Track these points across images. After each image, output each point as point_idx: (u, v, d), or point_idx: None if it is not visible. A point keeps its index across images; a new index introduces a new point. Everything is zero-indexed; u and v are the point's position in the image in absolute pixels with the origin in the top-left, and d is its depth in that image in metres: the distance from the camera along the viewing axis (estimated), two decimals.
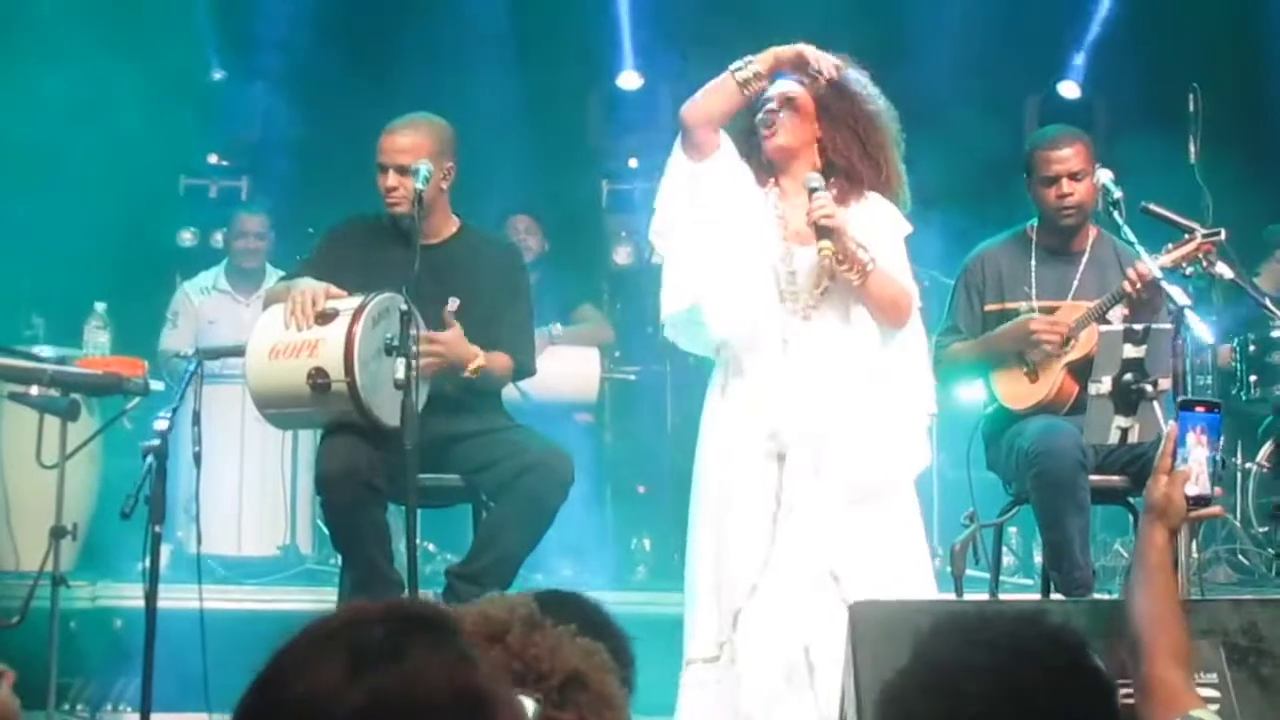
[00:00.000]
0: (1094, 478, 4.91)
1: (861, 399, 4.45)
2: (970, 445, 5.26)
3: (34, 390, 5.35)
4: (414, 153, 4.82)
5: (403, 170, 4.81)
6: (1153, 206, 4.84)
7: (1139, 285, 4.78)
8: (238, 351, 4.96)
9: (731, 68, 4.44)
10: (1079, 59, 8.95)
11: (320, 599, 5.92)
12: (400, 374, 4.44)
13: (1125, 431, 4.74)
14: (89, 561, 6.28)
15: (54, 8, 7.59)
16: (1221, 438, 3.09)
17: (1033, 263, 5.22)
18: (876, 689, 2.00)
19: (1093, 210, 5.15)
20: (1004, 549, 6.12)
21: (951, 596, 5.00)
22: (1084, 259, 5.22)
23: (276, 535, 6.96)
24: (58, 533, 5.15)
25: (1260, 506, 7.08)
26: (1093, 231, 5.25)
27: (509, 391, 5.31)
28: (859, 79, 4.64)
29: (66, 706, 5.55)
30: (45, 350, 6.15)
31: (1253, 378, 6.98)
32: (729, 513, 4.38)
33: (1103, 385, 4.73)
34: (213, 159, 8.71)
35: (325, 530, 5.70)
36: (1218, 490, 3.09)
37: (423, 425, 4.53)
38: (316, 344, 4.58)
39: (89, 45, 7.17)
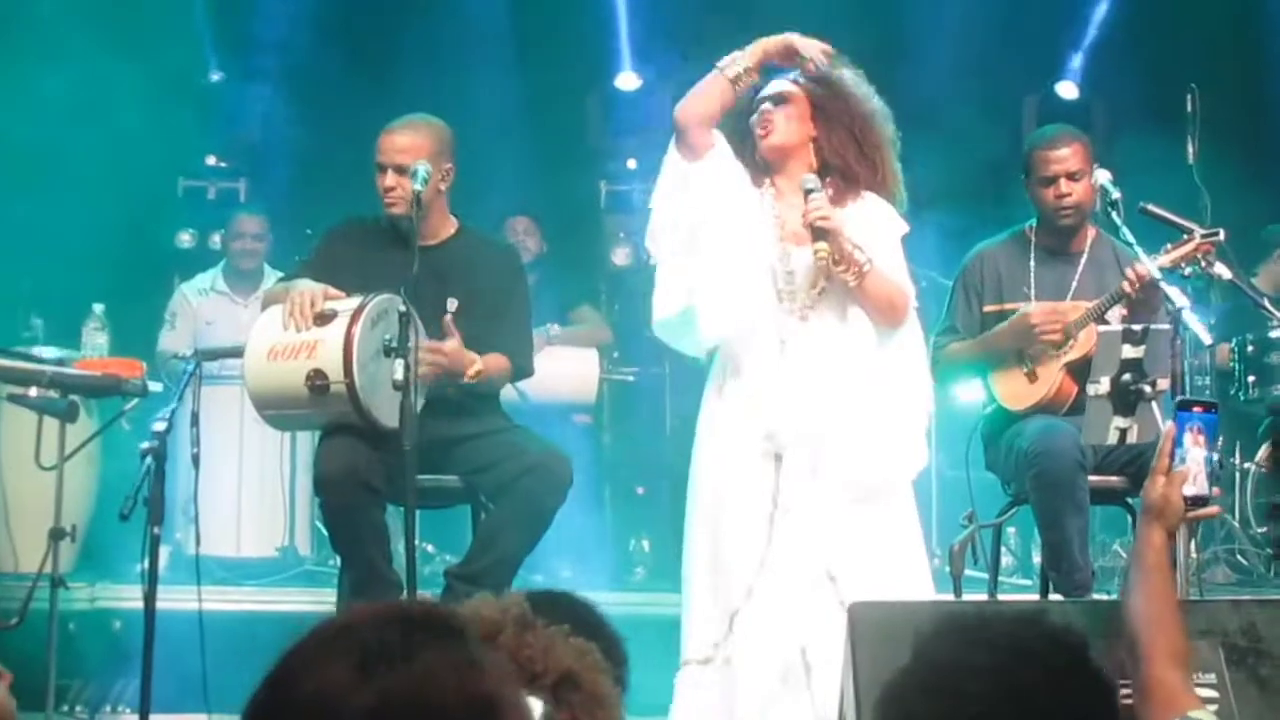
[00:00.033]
0: (1092, 478, 4.91)
1: (859, 399, 4.45)
2: (969, 445, 5.26)
3: (33, 392, 5.34)
4: (412, 153, 4.82)
5: (401, 170, 4.81)
6: (1151, 207, 4.84)
7: (1138, 286, 4.78)
8: (236, 353, 4.96)
9: (719, 65, 4.43)
10: (1077, 60, 8.95)
11: (319, 600, 5.93)
12: (399, 375, 4.44)
13: (1124, 432, 4.74)
14: (88, 563, 6.28)
15: (54, 8, 7.59)
16: (1220, 438, 3.09)
17: (1031, 263, 5.22)
18: (875, 689, 2.00)
19: (1091, 211, 5.15)
20: (1003, 549, 6.13)
21: (950, 597, 4.99)
22: (1083, 259, 5.22)
23: (275, 536, 6.96)
24: (56, 534, 5.15)
25: (1259, 507, 7.08)
26: (1091, 232, 5.25)
27: (507, 392, 5.31)
28: (854, 79, 4.64)
29: (65, 708, 5.54)
30: (44, 351, 6.15)
31: (1251, 378, 6.98)
32: (725, 514, 4.38)
33: (1101, 386, 4.73)
34: (211, 160, 8.70)
35: (324, 531, 5.70)
36: (1215, 490, 3.09)
37: (421, 426, 4.53)
38: (315, 345, 4.58)
39: (88, 46, 7.17)
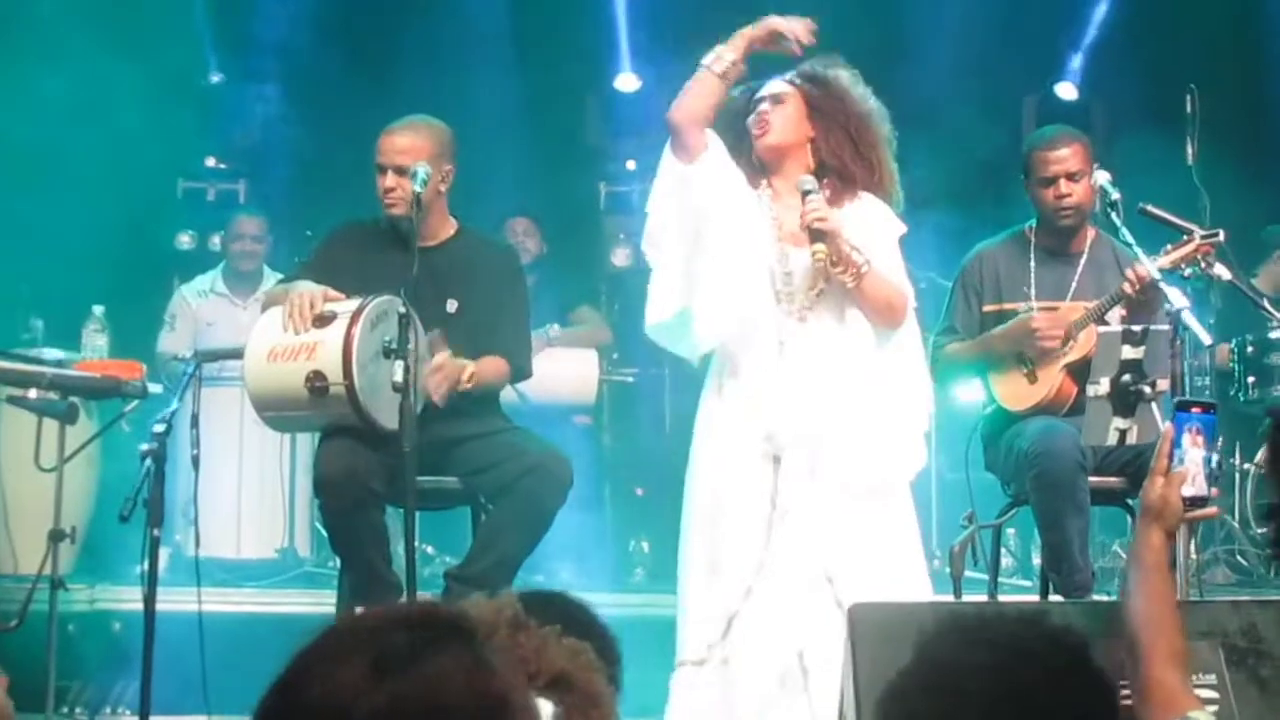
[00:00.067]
0: (1092, 479, 4.91)
1: (857, 401, 4.45)
2: (969, 446, 5.25)
3: (32, 393, 5.34)
4: (412, 154, 4.82)
5: (400, 171, 4.81)
6: (1151, 208, 4.84)
7: (1138, 287, 4.78)
8: (236, 354, 4.96)
9: (705, 62, 4.42)
10: (1077, 60, 8.95)
11: (319, 601, 5.92)
12: (398, 377, 4.44)
13: (1124, 433, 4.73)
14: (87, 564, 6.28)
15: (54, 8, 7.59)
16: (1219, 438, 3.09)
17: (1031, 263, 5.22)
18: (876, 690, 2.00)
19: (1091, 211, 5.15)
20: (1003, 550, 6.13)
21: (950, 598, 4.99)
22: (1082, 260, 5.22)
23: (275, 538, 6.96)
24: (56, 536, 5.15)
25: (1259, 508, 7.08)
26: (1091, 232, 5.25)
27: (507, 394, 5.31)
28: (850, 78, 4.64)
29: (65, 709, 5.55)
30: (44, 353, 6.15)
31: (1250, 379, 6.98)
32: (724, 515, 4.37)
33: (1101, 386, 4.73)
34: (210, 162, 8.71)
35: (324, 533, 5.71)
36: (1214, 491, 3.09)
37: (421, 428, 4.53)
38: (315, 347, 4.58)
39: (88, 46, 7.17)
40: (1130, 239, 4.81)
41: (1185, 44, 8.28)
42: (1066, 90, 8.91)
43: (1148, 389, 4.68)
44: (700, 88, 4.43)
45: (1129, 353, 4.71)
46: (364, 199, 5.02)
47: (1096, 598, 5.09)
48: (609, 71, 8.91)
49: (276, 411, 4.78)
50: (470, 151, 5.13)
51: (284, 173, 8.16)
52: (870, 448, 4.42)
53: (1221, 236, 4.80)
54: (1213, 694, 3.25)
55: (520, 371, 5.06)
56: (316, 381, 4.55)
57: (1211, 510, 3.13)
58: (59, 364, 5.72)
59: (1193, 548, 5.24)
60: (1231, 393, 6.96)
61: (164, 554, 5.10)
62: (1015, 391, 5.12)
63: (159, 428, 4.56)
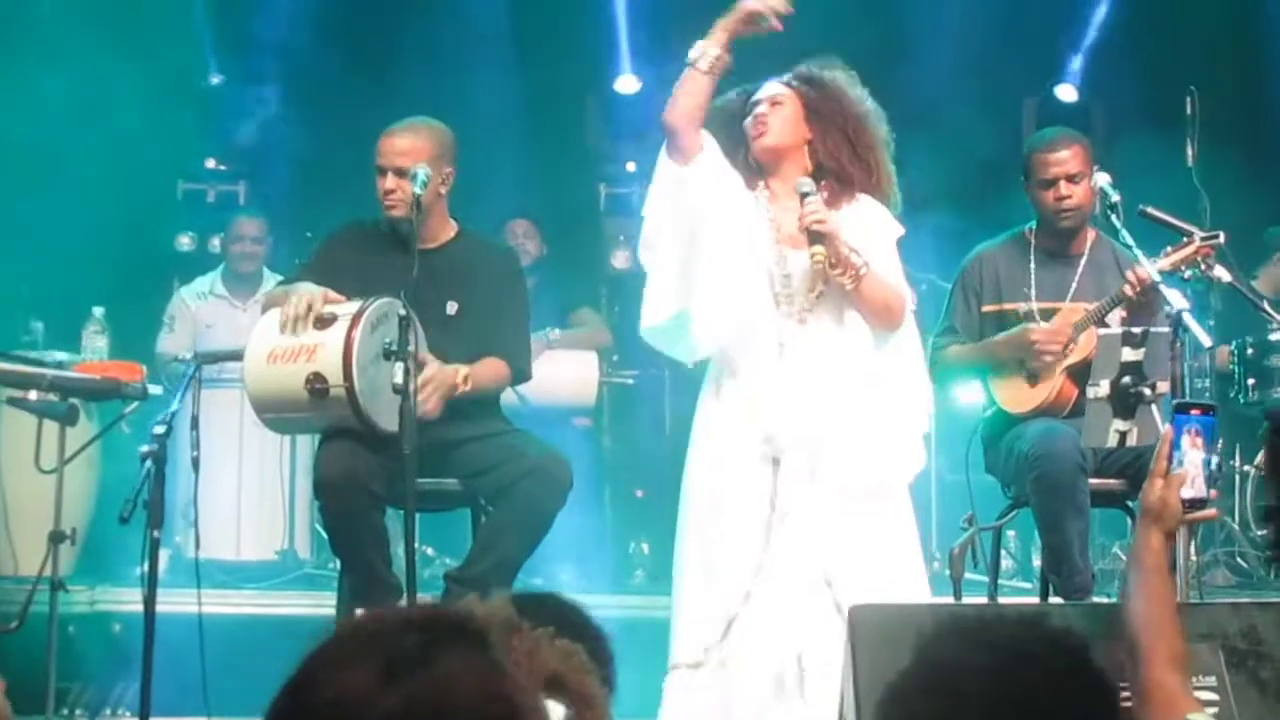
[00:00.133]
0: (1092, 481, 4.91)
1: (857, 403, 4.45)
2: (969, 448, 5.25)
3: (32, 395, 5.35)
4: (412, 156, 4.82)
5: (401, 173, 4.81)
6: (1151, 210, 4.85)
7: (1139, 289, 4.78)
8: (236, 356, 4.96)
9: (690, 60, 4.41)
10: (1076, 62, 8.95)
11: (319, 603, 5.92)
12: (399, 379, 4.44)
13: (1124, 435, 4.73)
14: (88, 566, 6.28)
15: (54, 8, 7.58)
16: (1220, 440, 3.09)
17: (1031, 265, 5.22)
18: (876, 692, 2.00)
19: (1091, 213, 5.15)
20: (1003, 552, 6.12)
21: (950, 600, 4.99)
22: (1083, 261, 5.22)
23: (275, 540, 6.96)
24: (56, 537, 5.15)
25: (1258, 510, 7.08)
26: (1091, 234, 5.25)
27: (507, 396, 5.31)
28: (847, 80, 4.64)
29: (65, 711, 5.54)
30: (44, 355, 6.15)
31: (1250, 381, 6.98)
32: (722, 517, 4.37)
33: (1101, 388, 4.73)
34: (210, 163, 8.71)
35: (324, 535, 5.71)
36: (1213, 493, 3.09)
37: (421, 430, 4.53)
38: (315, 349, 4.58)
39: (88, 47, 7.16)
40: (1130, 241, 4.82)
41: (1185, 45, 8.28)
42: (1066, 92, 8.91)
43: (1148, 391, 4.68)
44: (690, 86, 4.42)
45: (1129, 355, 4.71)
46: (364, 200, 5.02)
47: (1096, 600, 5.10)
48: (609, 73, 8.91)
49: (276, 413, 4.78)
50: (470, 153, 5.13)
51: (284, 174, 8.15)
52: (869, 450, 4.42)
53: (1221, 238, 4.80)
54: (1213, 696, 3.25)
55: (520, 374, 5.05)
56: (317, 383, 4.55)
57: (1211, 512, 3.13)
58: (59, 366, 5.72)
59: (1193, 550, 5.23)
60: (1231, 395, 6.96)
61: (164, 555, 5.11)
62: (1015, 394, 5.12)
63: (159, 429, 4.56)
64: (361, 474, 4.59)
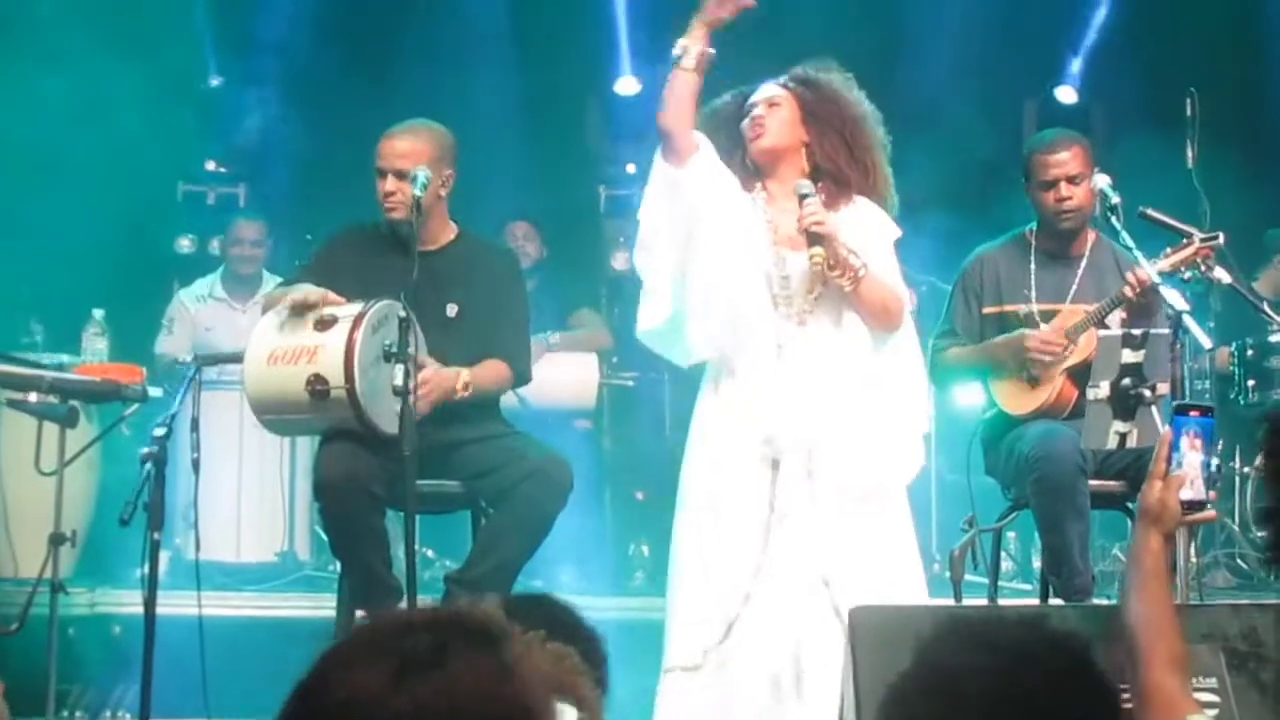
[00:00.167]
0: (1092, 483, 4.91)
1: (855, 404, 4.45)
2: (969, 450, 5.25)
3: (32, 397, 5.35)
4: (412, 158, 4.82)
5: (400, 176, 4.81)
6: (1150, 212, 4.85)
7: (1139, 290, 4.78)
8: (236, 358, 4.96)
9: (674, 59, 4.41)
10: (1076, 64, 8.95)
11: (319, 605, 5.92)
12: (399, 381, 4.44)
13: (1124, 436, 4.74)
14: (88, 568, 6.28)
15: (54, 9, 7.58)
16: (1220, 442, 3.09)
17: (1032, 266, 5.22)
18: (876, 694, 2.00)
19: (1091, 214, 5.15)
20: (1003, 554, 6.12)
21: (950, 602, 4.99)
22: (1083, 263, 5.22)
23: (275, 541, 6.96)
24: (56, 539, 5.15)
25: (1257, 511, 7.08)
26: (1091, 235, 5.25)
27: (508, 398, 5.31)
28: (844, 82, 4.64)
29: (65, 713, 5.55)
30: (44, 357, 6.14)
31: (1251, 382, 6.98)
32: (722, 519, 4.37)
33: (1101, 390, 4.73)
34: (211, 165, 8.71)
35: (324, 536, 5.70)
36: (1212, 494, 3.09)
37: (421, 432, 4.53)
38: (316, 350, 4.58)
39: (88, 48, 7.16)
40: (1130, 242, 4.82)
41: (1185, 47, 8.28)
42: (1066, 94, 8.91)
43: (1148, 392, 4.68)
44: (678, 85, 4.42)
45: (1129, 356, 4.71)
46: (364, 202, 5.02)
47: (1096, 601, 5.09)
48: (609, 74, 8.91)
49: (276, 414, 4.78)
50: (470, 155, 5.13)
51: (284, 175, 8.15)
52: (867, 451, 4.43)
53: (1221, 240, 4.80)
54: (1213, 698, 3.25)
55: (521, 376, 5.05)
56: (318, 385, 4.55)
57: (1210, 514, 3.13)
58: (59, 368, 5.73)
59: (1193, 551, 5.24)
60: (1231, 396, 6.97)
61: (164, 557, 5.10)
62: (1015, 395, 5.12)
63: (159, 431, 4.56)
64: (362, 476, 4.58)
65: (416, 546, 4.68)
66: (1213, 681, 3.29)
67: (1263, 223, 7.64)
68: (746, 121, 4.58)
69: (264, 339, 4.71)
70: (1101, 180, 4.95)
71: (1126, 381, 4.70)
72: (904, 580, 4.40)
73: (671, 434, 7.52)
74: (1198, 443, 3.01)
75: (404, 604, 4.53)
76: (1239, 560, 7.11)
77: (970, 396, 5.86)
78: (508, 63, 8.44)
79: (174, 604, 5.00)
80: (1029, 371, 5.07)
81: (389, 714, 1.49)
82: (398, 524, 4.76)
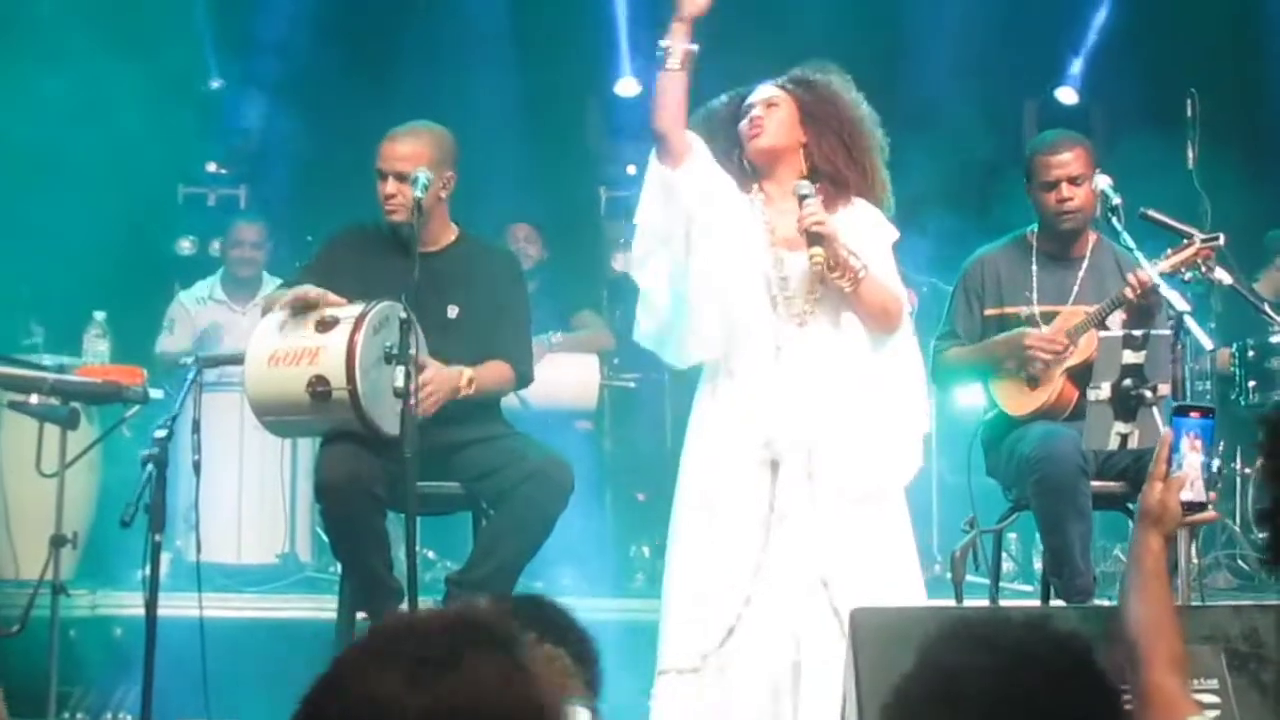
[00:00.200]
0: (1093, 484, 4.91)
1: (854, 405, 4.44)
2: (970, 451, 5.25)
3: (34, 399, 5.35)
4: (413, 160, 4.82)
5: (401, 178, 4.81)
6: (1151, 212, 4.85)
7: (1140, 291, 4.78)
8: (236, 360, 4.96)
9: (659, 61, 4.40)
10: (1076, 65, 8.95)
11: (320, 607, 5.92)
12: (400, 382, 4.44)
13: (1125, 437, 4.74)
14: (89, 570, 6.28)
15: (54, 9, 7.58)
16: (1220, 443, 3.09)
17: (1033, 268, 5.22)
18: (878, 695, 2.00)
19: (1093, 215, 5.15)
20: (1004, 555, 6.12)
21: (951, 602, 4.99)
22: (1084, 264, 5.22)
23: (276, 543, 6.96)
24: (57, 541, 5.15)
25: (1256, 512, 7.07)
26: (1092, 237, 5.25)
27: (509, 399, 5.31)
28: (842, 83, 4.64)
29: (66, 715, 5.55)
30: (45, 358, 6.15)
31: (1251, 383, 6.98)
32: (721, 520, 4.36)
33: (1102, 391, 4.74)
34: (211, 167, 8.71)
35: (325, 538, 5.70)
36: (1212, 495, 3.09)
37: (422, 433, 4.52)
38: (317, 351, 4.58)
39: (88, 49, 7.17)
40: (1131, 243, 4.82)
41: (1185, 47, 8.28)
42: (1066, 94, 8.91)
43: (1149, 393, 4.69)
44: (667, 86, 4.40)
45: (1130, 357, 4.71)
46: (364, 203, 5.02)
47: (1097, 602, 5.09)
48: (609, 75, 8.91)
49: (277, 416, 4.78)
50: (470, 156, 5.14)
51: (284, 177, 8.16)
52: (866, 453, 4.42)
53: (1222, 240, 4.80)
54: (1214, 699, 3.25)
55: (523, 377, 5.05)
56: (319, 386, 4.55)
57: (1210, 515, 3.13)
58: (60, 369, 5.73)
59: (1194, 552, 5.23)
60: (1232, 397, 6.96)
61: (165, 559, 5.11)
62: (1016, 396, 5.12)
63: (160, 433, 4.56)
64: (363, 477, 4.58)
65: (417, 548, 4.67)
66: (1214, 683, 3.29)
67: (1263, 223, 7.64)
68: (744, 122, 4.58)
69: (265, 340, 4.71)
70: (1103, 181, 4.95)
71: (1127, 382, 4.70)
72: (902, 581, 4.40)
73: (672, 435, 7.50)
74: (1198, 444, 3.01)
75: (405, 606, 4.53)
76: (1240, 561, 7.11)
77: (971, 397, 5.86)
78: (508, 63, 8.45)
79: (175, 606, 5.00)
80: (1028, 371, 5.07)
81: (405, 714, 1.50)
82: (399, 525, 4.76)
